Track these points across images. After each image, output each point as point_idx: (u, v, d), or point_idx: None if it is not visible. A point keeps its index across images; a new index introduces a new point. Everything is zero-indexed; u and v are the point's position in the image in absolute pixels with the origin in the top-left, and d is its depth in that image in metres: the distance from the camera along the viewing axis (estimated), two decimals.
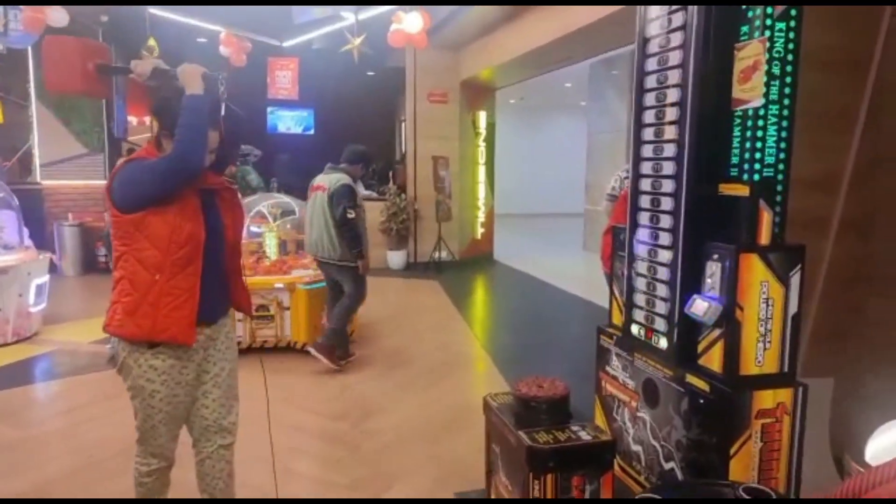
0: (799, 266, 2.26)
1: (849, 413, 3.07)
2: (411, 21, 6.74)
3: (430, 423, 3.91)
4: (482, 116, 10.21)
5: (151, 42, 7.19)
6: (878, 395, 3.26)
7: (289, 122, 13.98)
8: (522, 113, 16.89)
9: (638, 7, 2.65)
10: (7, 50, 7.50)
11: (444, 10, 8.12)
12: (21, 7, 5.92)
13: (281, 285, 5.24)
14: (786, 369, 2.30)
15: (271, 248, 5.82)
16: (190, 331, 2.13)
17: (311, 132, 13.95)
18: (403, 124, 15.58)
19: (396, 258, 9.48)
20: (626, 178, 5.01)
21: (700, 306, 2.30)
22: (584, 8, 6.12)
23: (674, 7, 2.42)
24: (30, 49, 8.21)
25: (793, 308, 2.27)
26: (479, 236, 10.28)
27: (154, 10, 7.66)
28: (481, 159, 10.23)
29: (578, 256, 11.14)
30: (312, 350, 4.86)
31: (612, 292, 3.06)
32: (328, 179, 4.80)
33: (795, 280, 2.26)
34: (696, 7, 2.29)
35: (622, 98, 10.46)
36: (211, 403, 2.32)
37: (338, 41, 8.82)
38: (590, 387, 3.11)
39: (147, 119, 13.39)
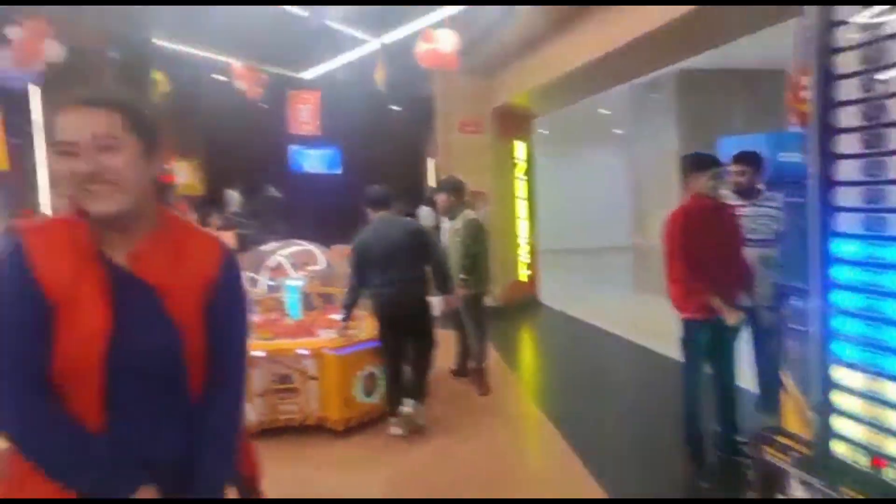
0: None
1: None
2: (443, 38, 5.95)
3: None
4: (520, 147, 9.35)
5: (157, 76, 6.53)
6: None
7: (314, 161, 13.34)
8: (551, 143, 16.00)
9: None
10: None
11: (473, 30, 7.36)
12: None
13: (305, 351, 4.35)
14: None
15: (293, 305, 4.95)
16: None
17: (338, 171, 13.31)
18: (431, 160, 14.91)
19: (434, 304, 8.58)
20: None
21: None
22: (634, 19, 5.33)
23: None
24: (36, 91, 7.62)
25: None
26: (522, 278, 9.31)
27: (161, 42, 7.03)
28: (521, 193, 9.33)
29: (630, 297, 10.10)
30: None
31: (767, 378, 2.10)
32: None
33: None
34: None
35: (670, 122, 9.57)
36: None
37: (361, 71, 8.16)
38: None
39: None
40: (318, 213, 10.79)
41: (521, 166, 9.30)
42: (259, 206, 10.09)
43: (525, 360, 7.09)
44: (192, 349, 1.25)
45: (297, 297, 4.99)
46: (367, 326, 4.70)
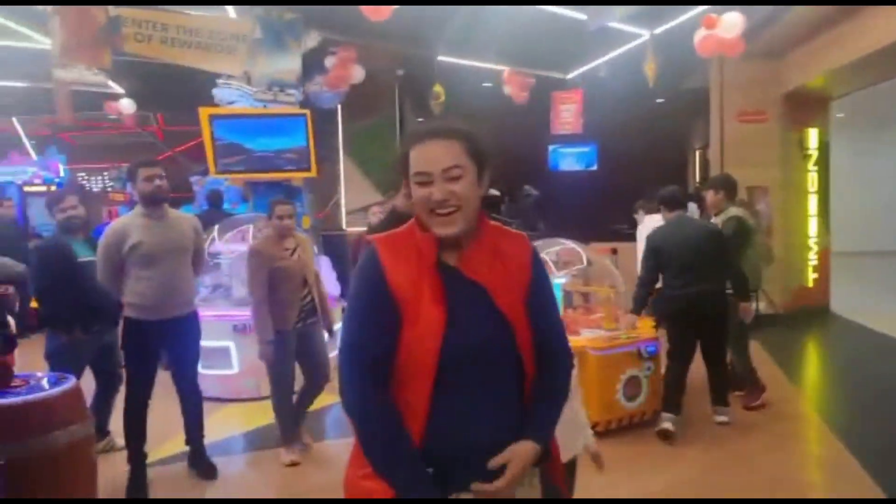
0: None
1: None
2: (728, 22, 5.46)
3: None
4: (812, 135, 8.19)
5: (437, 89, 7.20)
6: None
7: (570, 159, 13.38)
8: (851, 128, 13.58)
9: None
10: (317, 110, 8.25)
11: (758, 11, 6.59)
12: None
13: None
14: None
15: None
16: None
17: (594, 168, 13.15)
18: (698, 153, 13.87)
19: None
20: None
21: None
22: None
23: None
24: (339, 108, 8.98)
25: None
26: (810, 283, 8.16)
27: (443, 58, 7.71)
28: (811, 187, 8.18)
29: None
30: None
31: None
32: None
33: None
34: None
35: None
36: None
37: (623, 66, 7.95)
38: None
39: None
40: (574, 210, 10.79)
41: (812, 157, 8.14)
42: (520, 206, 10.44)
43: (809, 374, 6.21)
44: (522, 340, 1.35)
45: (559, 295, 5.08)
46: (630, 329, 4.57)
